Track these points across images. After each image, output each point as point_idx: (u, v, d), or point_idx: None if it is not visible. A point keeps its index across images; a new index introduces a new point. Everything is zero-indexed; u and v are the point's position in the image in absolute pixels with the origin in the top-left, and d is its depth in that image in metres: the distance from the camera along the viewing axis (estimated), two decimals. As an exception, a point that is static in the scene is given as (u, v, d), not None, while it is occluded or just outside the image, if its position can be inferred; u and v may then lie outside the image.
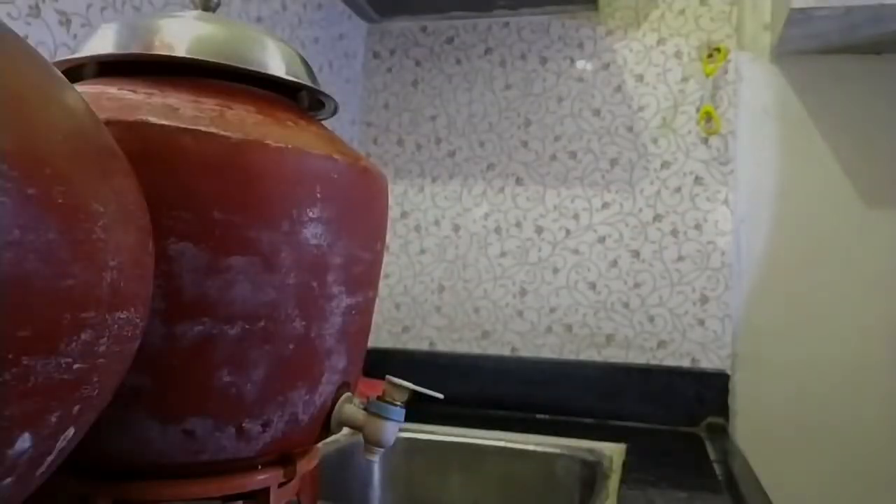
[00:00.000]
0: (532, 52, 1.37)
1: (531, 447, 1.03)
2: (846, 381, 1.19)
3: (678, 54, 1.29)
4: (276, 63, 0.48)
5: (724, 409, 1.22)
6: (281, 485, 0.48)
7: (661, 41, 1.30)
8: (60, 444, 0.30)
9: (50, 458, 0.30)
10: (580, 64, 1.34)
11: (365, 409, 0.50)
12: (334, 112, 0.57)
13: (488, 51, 1.39)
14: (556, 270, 1.31)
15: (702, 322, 1.26)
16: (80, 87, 0.45)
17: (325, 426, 0.50)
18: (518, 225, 1.36)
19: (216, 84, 0.46)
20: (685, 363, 1.27)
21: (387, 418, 0.49)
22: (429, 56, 1.42)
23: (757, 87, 1.26)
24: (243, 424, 0.44)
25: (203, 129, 0.41)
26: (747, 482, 0.87)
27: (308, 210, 0.44)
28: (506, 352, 1.33)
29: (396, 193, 1.41)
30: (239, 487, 0.46)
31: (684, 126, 1.28)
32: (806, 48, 1.21)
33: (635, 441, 1.05)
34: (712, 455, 1.02)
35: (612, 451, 0.99)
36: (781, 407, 1.21)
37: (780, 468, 1.17)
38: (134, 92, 0.44)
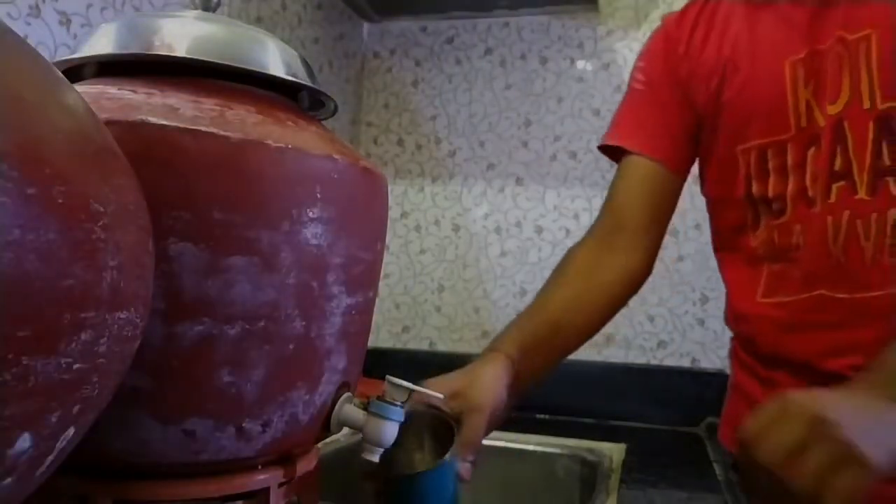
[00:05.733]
0: (532, 52, 1.37)
1: (531, 447, 1.03)
2: (846, 381, 1.18)
3: (678, 54, 1.29)
4: (276, 63, 0.48)
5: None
6: (281, 485, 0.48)
7: (661, 41, 1.30)
8: (60, 444, 0.30)
9: (50, 458, 0.30)
10: (580, 64, 1.34)
11: (365, 409, 0.50)
12: (334, 112, 0.57)
13: (488, 51, 1.39)
14: (556, 270, 1.31)
15: (702, 322, 1.26)
16: (80, 87, 0.45)
17: (325, 426, 0.50)
18: (518, 225, 1.36)
19: (216, 84, 0.46)
20: (685, 363, 1.27)
21: (387, 418, 0.49)
22: (429, 56, 1.42)
23: (757, 87, 1.26)
24: (243, 424, 0.44)
25: (203, 129, 0.41)
26: (747, 482, 0.87)
27: (308, 210, 0.44)
28: (506, 352, 1.33)
29: (396, 193, 1.41)
30: (239, 487, 0.46)
31: (684, 126, 1.27)
32: (806, 48, 1.20)
33: (635, 441, 1.05)
34: (712, 455, 1.02)
35: (612, 451, 0.99)
36: (781, 407, 1.21)
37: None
38: (134, 92, 0.44)
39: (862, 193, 0.67)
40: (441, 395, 0.50)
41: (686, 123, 0.79)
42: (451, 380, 0.65)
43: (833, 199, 0.68)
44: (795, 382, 0.73)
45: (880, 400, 0.49)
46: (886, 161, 0.65)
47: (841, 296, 0.69)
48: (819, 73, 0.69)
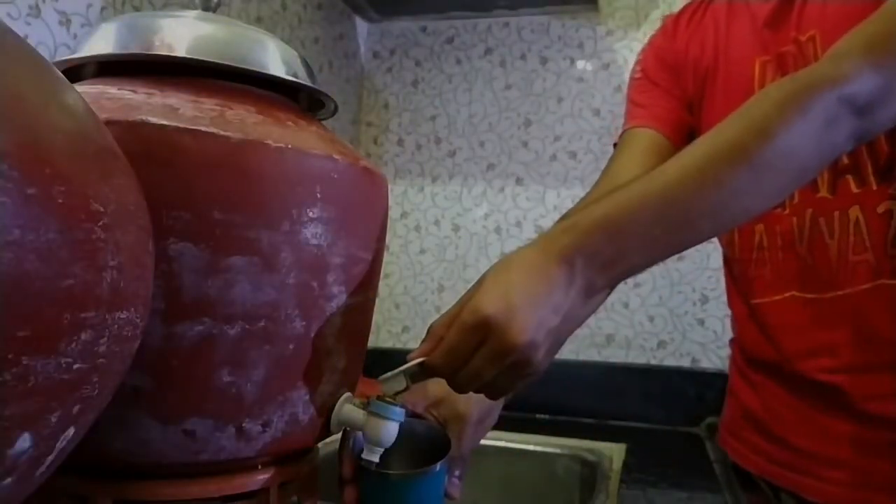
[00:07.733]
0: (532, 52, 1.37)
1: (531, 447, 1.03)
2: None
3: (678, 54, 1.28)
4: (275, 63, 0.48)
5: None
6: (281, 485, 0.48)
7: (661, 41, 1.30)
8: (60, 444, 0.30)
9: (50, 458, 0.30)
10: (580, 64, 1.34)
11: (365, 409, 0.50)
12: (334, 112, 0.57)
13: (488, 51, 1.39)
14: (556, 270, 1.31)
15: (702, 322, 1.26)
16: (80, 87, 0.45)
17: (325, 426, 0.50)
18: (518, 225, 1.36)
19: (216, 84, 0.46)
20: (685, 363, 1.27)
21: (387, 418, 0.49)
22: (429, 56, 1.42)
23: (757, 87, 1.26)
24: (243, 424, 0.44)
25: (203, 129, 0.41)
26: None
27: (308, 210, 0.44)
28: (506, 352, 1.33)
29: (396, 193, 1.41)
30: (239, 487, 0.46)
31: (684, 126, 1.27)
32: (806, 48, 1.20)
33: (635, 441, 1.05)
34: (712, 455, 1.01)
35: (612, 451, 0.99)
36: (781, 407, 1.21)
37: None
38: (134, 92, 0.44)
39: (824, 192, 0.67)
40: (421, 360, 0.48)
41: (680, 102, 0.79)
42: (436, 385, 0.62)
43: (797, 199, 0.69)
44: (775, 386, 0.73)
45: (558, 260, 0.47)
46: (845, 160, 0.65)
47: (811, 296, 0.69)
48: (784, 75, 0.69)
